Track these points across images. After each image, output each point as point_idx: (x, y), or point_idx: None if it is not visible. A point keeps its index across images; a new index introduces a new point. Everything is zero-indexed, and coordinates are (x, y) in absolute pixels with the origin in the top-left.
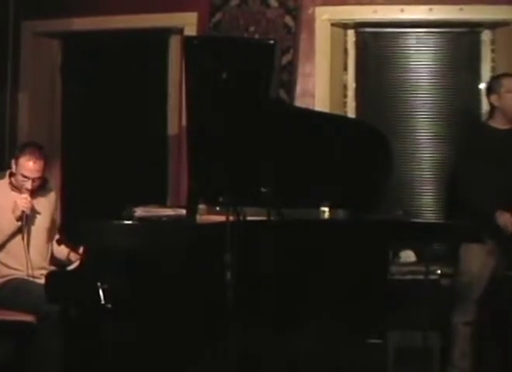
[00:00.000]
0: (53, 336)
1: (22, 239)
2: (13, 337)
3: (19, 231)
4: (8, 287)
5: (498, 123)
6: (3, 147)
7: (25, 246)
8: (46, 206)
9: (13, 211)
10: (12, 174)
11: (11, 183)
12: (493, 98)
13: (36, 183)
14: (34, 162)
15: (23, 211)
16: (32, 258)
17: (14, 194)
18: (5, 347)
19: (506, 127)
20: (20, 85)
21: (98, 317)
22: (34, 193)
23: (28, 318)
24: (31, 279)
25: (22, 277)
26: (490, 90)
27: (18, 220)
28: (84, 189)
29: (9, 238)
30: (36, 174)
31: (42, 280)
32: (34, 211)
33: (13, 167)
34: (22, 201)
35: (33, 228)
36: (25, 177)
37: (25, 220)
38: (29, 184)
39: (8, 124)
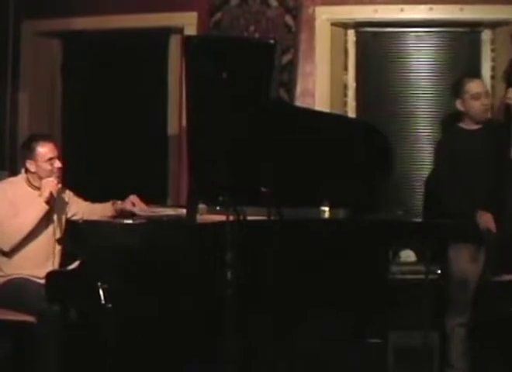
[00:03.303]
0: (53, 336)
1: (54, 232)
2: (13, 337)
3: (46, 224)
4: (8, 286)
5: (467, 125)
6: (3, 147)
7: (54, 240)
8: (62, 202)
9: (40, 195)
10: (27, 171)
11: (28, 180)
12: (458, 102)
13: (59, 164)
14: (48, 142)
15: (51, 193)
16: (53, 252)
17: (31, 190)
18: (5, 347)
19: (475, 127)
20: (20, 85)
21: (98, 317)
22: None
23: (28, 318)
24: (32, 278)
25: (23, 276)
26: (454, 94)
27: (46, 203)
28: (84, 189)
29: (36, 230)
30: (56, 152)
31: (42, 280)
32: (61, 204)
33: (30, 165)
34: (49, 182)
35: (55, 219)
36: (51, 158)
37: (53, 203)
38: (57, 163)
39: (8, 124)
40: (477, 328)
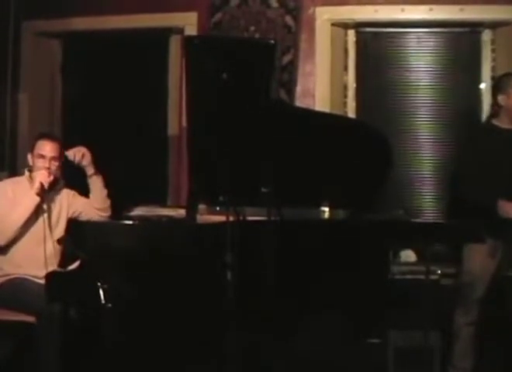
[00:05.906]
0: (53, 336)
1: (46, 226)
2: (13, 337)
3: (36, 217)
4: (8, 286)
5: (502, 122)
6: (3, 147)
7: (45, 233)
8: (62, 202)
9: (31, 187)
10: (30, 170)
11: (30, 176)
12: (501, 97)
13: (54, 166)
14: (50, 141)
15: (41, 184)
16: (50, 252)
17: (30, 186)
18: (5, 347)
19: (510, 127)
20: (20, 85)
21: (98, 317)
22: (51, 185)
23: (28, 318)
24: (31, 278)
25: (22, 276)
26: (498, 88)
27: (37, 194)
28: (84, 189)
29: (29, 225)
30: (52, 153)
31: (41, 280)
32: (58, 200)
33: (30, 159)
34: (39, 174)
35: (53, 218)
36: (42, 156)
37: (44, 196)
38: (46, 163)
39: (9, 124)
40: (482, 327)
